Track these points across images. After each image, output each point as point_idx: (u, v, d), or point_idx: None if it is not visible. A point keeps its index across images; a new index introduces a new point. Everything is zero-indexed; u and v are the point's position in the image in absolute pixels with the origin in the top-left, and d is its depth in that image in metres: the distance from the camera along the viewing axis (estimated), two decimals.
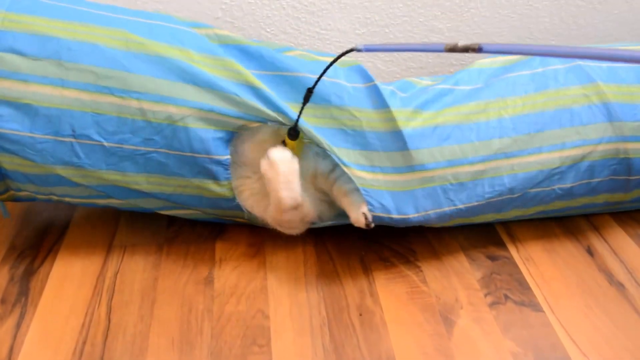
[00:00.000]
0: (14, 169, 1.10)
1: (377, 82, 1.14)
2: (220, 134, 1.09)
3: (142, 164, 1.09)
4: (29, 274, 1.16)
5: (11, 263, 1.19)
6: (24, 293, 1.11)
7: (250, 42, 1.16)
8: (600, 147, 1.18)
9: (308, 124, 1.09)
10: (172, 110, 1.06)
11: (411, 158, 1.10)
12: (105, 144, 1.07)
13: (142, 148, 1.08)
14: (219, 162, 1.09)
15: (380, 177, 1.10)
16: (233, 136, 1.11)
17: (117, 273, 1.16)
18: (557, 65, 1.21)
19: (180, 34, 1.11)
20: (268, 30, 1.60)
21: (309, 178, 1.17)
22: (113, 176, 1.10)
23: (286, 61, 1.14)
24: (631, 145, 1.19)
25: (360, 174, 1.09)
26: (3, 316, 1.07)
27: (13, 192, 1.17)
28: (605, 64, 1.22)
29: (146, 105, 1.06)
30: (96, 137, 1.06)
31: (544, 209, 1.24)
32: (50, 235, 1.26)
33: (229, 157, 1.10)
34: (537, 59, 1.22)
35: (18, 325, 1.05)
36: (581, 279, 1.17)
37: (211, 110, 1.07)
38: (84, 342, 1.02)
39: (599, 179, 1.21)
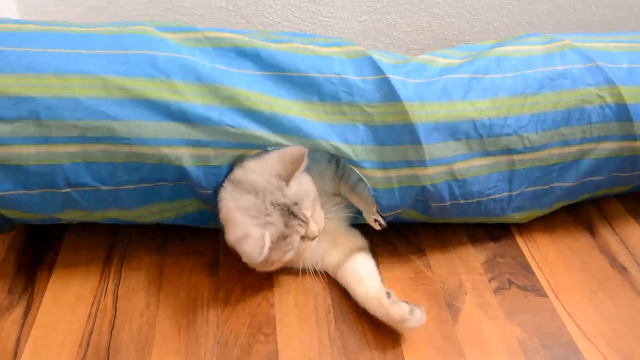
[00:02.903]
0: (17, 217, 1.04)
1: (388, 72, 1.04)
2: (218, 170, 0.99)
3: (141, 199, 1.02)
4: (35, 262, 1.11)
5: (18, 251, 1.14)
6: (30, 283, 1.06)
7: (244, 40, 1.04)
8: (602, 145, 1.11)
9: (319, 122, 1.01)
10: (165, 151, 0.96)
11: (423, 153, 1.02)
12: (103, 187, 0.98)
13: (141, 185, 1.00)
14: (215, 193, 1.00)
15: (392, 173, 1.03)
16: (232, 168, 1.00)
17: (123, 260, 1.11)
18: (577, 64, 1.12)
19: (162, 62, 0.97)
20: (270, 18, 1.54)
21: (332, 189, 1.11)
22: (115, 213, 1.04)
23: (286, 60, 1.03)
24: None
25: (372, 174, 1.02)
26: (10, 306, 1.01)
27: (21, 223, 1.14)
28: (625, 65, 1.13)
29: (138, 150, 0.95)
30: (92, 183, 0.98)
31: (545, 212, 1.18)
32: (56, 222, 1.20)
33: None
34: (557, 55, 1.13)
35: (25, 316, 1.00)
36: (584, 262, 1.12)
37: (207, 146, 0.97)
38: (91, 332, 0.97)
39: (602, 177, 1.15)
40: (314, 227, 0.97)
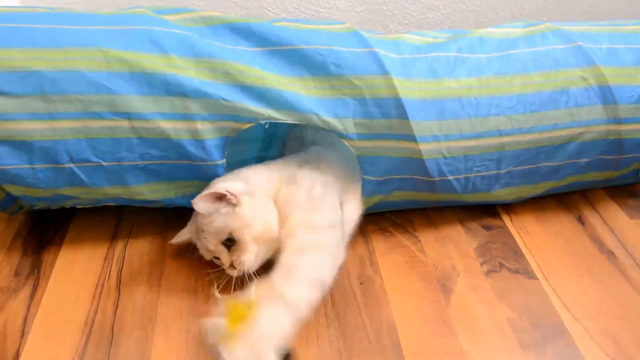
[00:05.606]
0: (22, 194, 1.06)
1: (376, 47, 1.08)
2: (215, 142, 1.04)
3: (142, 175, 1.06)
4: (41, 246, 1.14)
5: (24, 236, 1.17)
6: (36, 266, 1.10)
7: (237, 17, 1.10)
8: (591, 129, 1.15)
9: (309, 96, 1.05)
10: (164, 125, 1.01)
11: (410, 129, 1.06)
12: (104, 163, 1.02)
13: (140, 162, 1.04)
14: (216, 166, 1.06)
15: (378, 143, 1.07)
16: (228, 141, 1.05)
17: (126, 245, 1.15)
18: (559, 45, 1.16)
19: (159, 37, 1.02)
20: (270, 9, 1.57)
21: None
22: (116, 190, 1.07)
23: (277, 33, 1.07)
24: (625, 127, 1.16)
25: (359, 144, 1.07)
26: (16, 288, 1.05)
27: (27, 207, 1.16)
28: (605, 45, 1.17)
29: (137, 124, 1.00)
30: (94, 159, 1.02)
31: (532, 191, 1.22)
32: (61, 208, 1.23)
33: (224, 160, 1.06)
34: (538, 37, 1.17)
35: (31, 297, 1.03)
36: (573, 247, 1.16)
37: (203, 120, 1.02)
38: (95, 312, 1.00)
39: (587, 159, 1.18)
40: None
